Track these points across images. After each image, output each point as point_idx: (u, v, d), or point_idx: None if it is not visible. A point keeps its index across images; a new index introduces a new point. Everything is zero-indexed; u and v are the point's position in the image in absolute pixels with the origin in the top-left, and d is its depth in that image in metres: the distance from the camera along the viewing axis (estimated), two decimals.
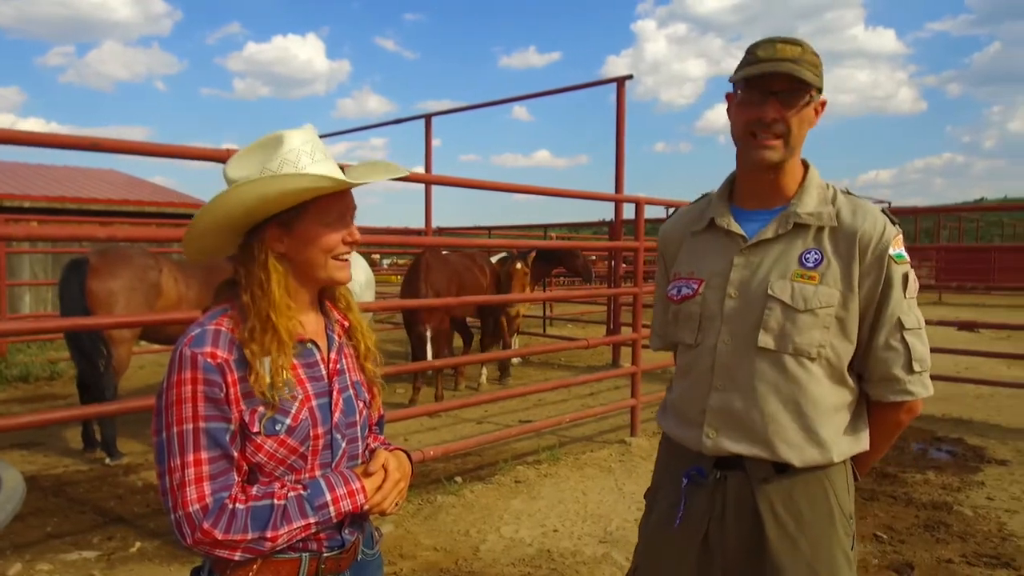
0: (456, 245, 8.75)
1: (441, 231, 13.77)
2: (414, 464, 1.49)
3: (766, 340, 1.51)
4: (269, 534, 1.20)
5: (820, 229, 1.52)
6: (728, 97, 1.57)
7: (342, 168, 1.34)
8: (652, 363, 6.70)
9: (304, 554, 1.28)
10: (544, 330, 12.23)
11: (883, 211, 1.54)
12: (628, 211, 8.59)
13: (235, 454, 1.23)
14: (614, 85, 8.99)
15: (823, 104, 1.53)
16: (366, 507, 1.31)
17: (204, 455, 1.19)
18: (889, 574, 3.35)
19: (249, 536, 1.19)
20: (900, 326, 1.49)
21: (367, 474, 1.34)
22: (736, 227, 1.59)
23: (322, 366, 1.35)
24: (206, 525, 1.17)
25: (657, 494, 1.70)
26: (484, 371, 8.21)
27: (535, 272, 8.53)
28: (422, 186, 10.69)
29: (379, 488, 1.33)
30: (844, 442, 1.54)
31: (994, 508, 4.18)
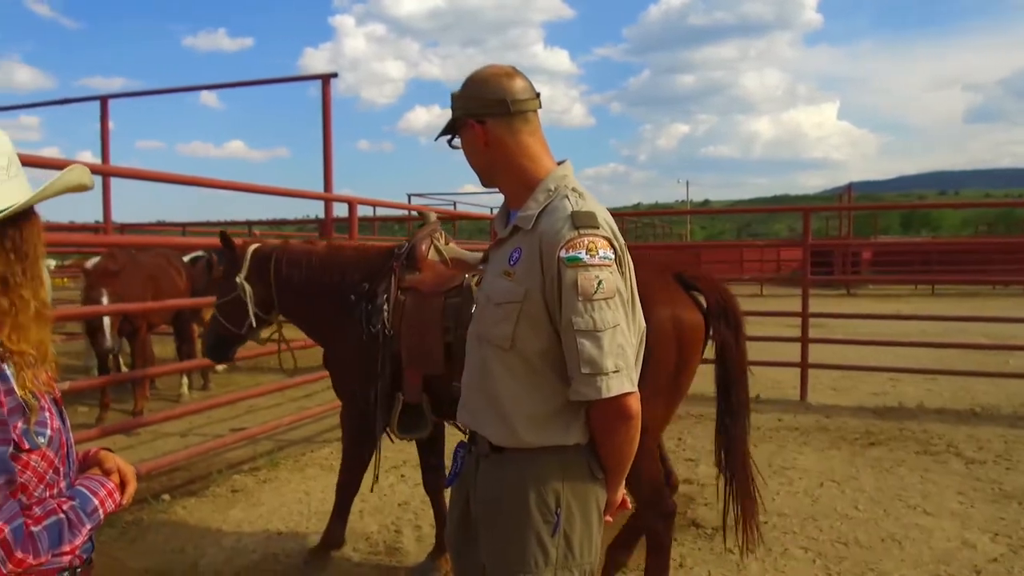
0: (148, 244, 7.94)
1: (124, 228, 12.36)
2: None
3: (475, 330, 1.71)
4: (67, 547, 1.18)
5: (525, 230, 1.60)
6: None
7: None
8: None
9: (65, 571, 1.22)
10: None
11: (572, 213, 1.53)
12: (338, 209, 8.58)
13: (17, 477, 1.14)
14: (318, 82, 8.87)
15: (471, 125, 1.63)
16: (124, 504, 1.31)
17: None
18: None
19: (52, 553, 1.15)
20: (571, 327, 1.49)
21: (107, 475, 1.32)
22: (499, 226, 1.74)
23: None
24: (19, 555, 1.10)
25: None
26: (185, 381, 7.59)
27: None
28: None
29: (125, 484, 1.33)
30: (536, 430, 1.58)
31: None
